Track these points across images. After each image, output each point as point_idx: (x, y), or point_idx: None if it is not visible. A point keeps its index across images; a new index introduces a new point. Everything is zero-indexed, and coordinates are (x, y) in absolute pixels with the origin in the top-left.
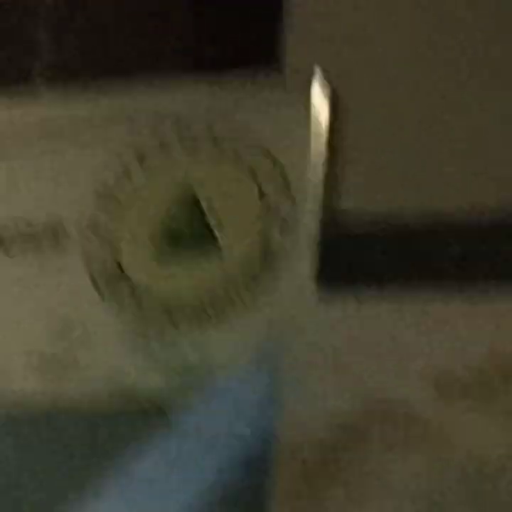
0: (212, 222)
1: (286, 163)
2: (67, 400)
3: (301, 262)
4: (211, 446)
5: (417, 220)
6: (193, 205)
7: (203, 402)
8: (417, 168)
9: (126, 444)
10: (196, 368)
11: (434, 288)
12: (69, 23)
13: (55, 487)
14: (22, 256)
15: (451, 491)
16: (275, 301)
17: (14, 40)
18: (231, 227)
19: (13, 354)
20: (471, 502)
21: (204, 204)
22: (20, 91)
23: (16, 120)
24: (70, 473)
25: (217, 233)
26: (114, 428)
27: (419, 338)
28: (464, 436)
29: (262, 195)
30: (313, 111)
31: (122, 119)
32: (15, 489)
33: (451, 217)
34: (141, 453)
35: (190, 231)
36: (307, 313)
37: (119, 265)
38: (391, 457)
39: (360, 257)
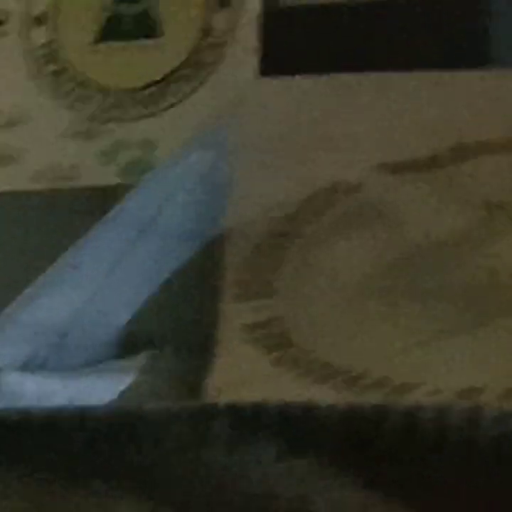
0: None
1: None
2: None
3: (243, 41)
4: (157, 237)
5: None
6: None
7: (148, 190)
8: None
9: (69, 233)
10: (139, 157)
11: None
12: None
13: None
14: None
15: (395, 270)
16: (218, 84)
17: None
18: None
19: None
20: (414, 280)
21: None
22: None
23: None
24: (22, 262)
25: (158, 18)
26: (57, 217)
27: (370, 122)
28: (413, 215)
29: None
30: None
31: None
32: None
33: None
34: (85, 243)
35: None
36: (251, 94)
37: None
38: (339, 240)
39: (303, 32)
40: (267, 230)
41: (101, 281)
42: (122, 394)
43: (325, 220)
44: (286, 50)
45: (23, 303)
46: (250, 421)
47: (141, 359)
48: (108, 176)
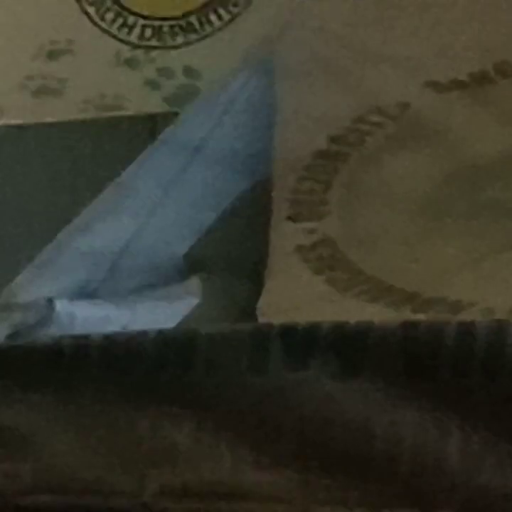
0: None
1: None
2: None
3: None
4: (207, 161)
5: None
6: None
7: (197, 116)
8: None
9: (117, 162)
10: (184, 84)
11: None
12: None
13: (53, 202)
14: None
15: (448, 187)
16: (262, 8)
17: None
18: None
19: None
20: (468, 197)
21: None
22: None
23: None
24: (71, 187)
25: None
26: (104, 146)
27: (418, 41)
28: (463, 131)
29: None
30: None
31: None
32: (18, 200)
33: None
34: (137, 169)
35: None
36: (297, 15)
37: None
38: (390, 160)
39: None
40: (316, 152)
41: (153, 207)
42: (177, 319)
43: (375, 140)
44: None
45: (75, 230)
46: (305, 343)
47: (194, 284)
48: (154, 104)
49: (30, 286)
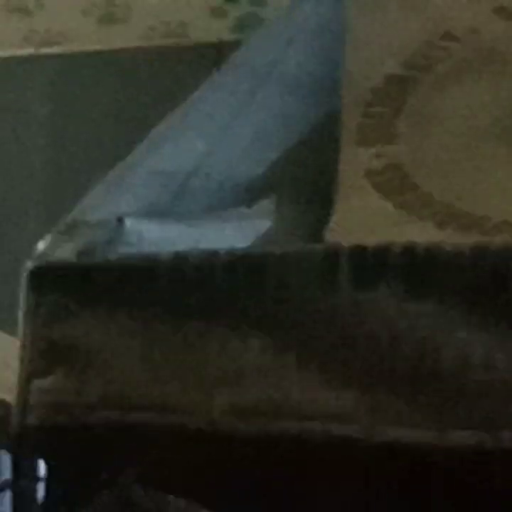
0: None
1: None
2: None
3: None
4: (276, 85)
5: None
6: None
7: (265, 41)
8: None
9: (186, 81)
10: (250, 12)
11: None
12: None
13: (118, 129)
14: None
15: None
16: None
17: None
18: None
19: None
20: None
21: None
22: None
23: None
24: (136, 114)
25: None
26: (168, 73)
27: None
28: None
29: None
30: None
31: None
32: (82, 127)
33: None
34: (206, 92)
35: None
36: None
37: None
38: (459, 86)
39: None
40: (386, 76)
41: (223, 129)
42: (246, 241)
43: (444, 65)
44: None
45: (145, 151)
46: (374, 263)
47: (264, 206)
48: (218, 32)
49: (100, 206)
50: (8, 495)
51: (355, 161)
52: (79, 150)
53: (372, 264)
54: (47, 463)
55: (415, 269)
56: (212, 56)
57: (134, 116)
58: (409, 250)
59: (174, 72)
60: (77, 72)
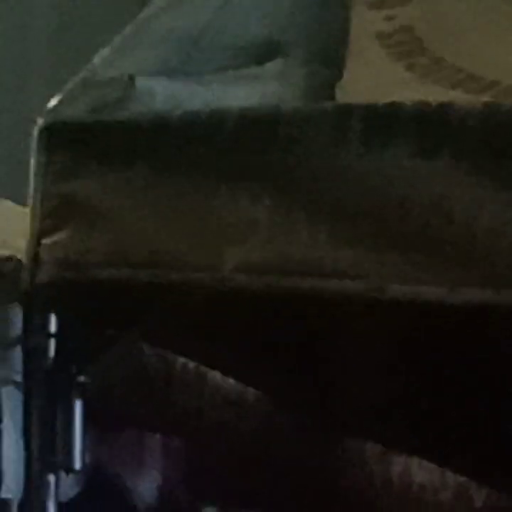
0: None
1: None
2: None
3: None
4: None
5: None
6: None
7: None
8: None
9: None
10: None
11: None
12: None
13: None
14: None
15: None
16: None
17: None
18: None
19: None
20: None
21: None
22: None
23: None
24: None
25: None
26: None
27: None
28: None
29: None
30: None
31: None
32: None
33: None
34: None
35: None
36: None
37: None
38: None
39: None
40: None
41: None
42: (257, 100)
43: None
44: None
45: (157, 9)
46: (386, 120)
47: (274, 66)
48: None
49: (111, 64)
50: (18, 350)
51: (366, 23)
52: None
53: (383, 121)
54: (58, 319)
55: (427, 127)
56: None
57: None
58: (421, 108)
59: None
60: None
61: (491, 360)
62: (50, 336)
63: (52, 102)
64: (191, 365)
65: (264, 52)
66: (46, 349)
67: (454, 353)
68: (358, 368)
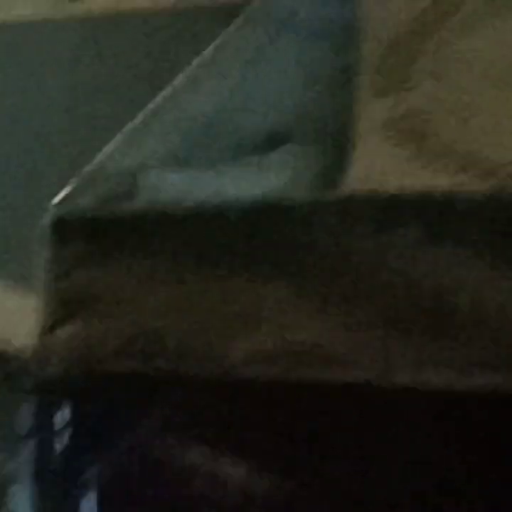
0: None
1: None
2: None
3: None
4: (295, 33)
5: None
6: None
7: None
8: None
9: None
10: None
11: None
12: None
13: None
14: None
15: None
16: None
17: None
18: None
19: None
20: None
21: None
22: None
23: None
24: (150, 78)
25: None
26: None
27: None
28: None
29: None
30: None
31: None
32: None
33: None
34: (226, 40)
35: None
36: None
37: None
38: (477, 31)
39: None
40: (406, 21)
41: (242, 77)
42: (265, 188)
43: (462, 12)
44: None
45: (166, 100)
46: (390, 209)
47: (282, 155)
48: None
49: (120, 155)
50: (29, 444)
51: (371, 111)
52: (100, 104)
53: (388, 209)
54: (70, 411)
55: (432, 215)
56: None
57: (154, 71)
58: (425, 196)
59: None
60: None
61: (501, 447)
62: (58, 431)
63: (63, 193)
64: (207, 450)
65: (273, 141)
66: (53, 445)
67: (463, 438)
68: (371, 457)
